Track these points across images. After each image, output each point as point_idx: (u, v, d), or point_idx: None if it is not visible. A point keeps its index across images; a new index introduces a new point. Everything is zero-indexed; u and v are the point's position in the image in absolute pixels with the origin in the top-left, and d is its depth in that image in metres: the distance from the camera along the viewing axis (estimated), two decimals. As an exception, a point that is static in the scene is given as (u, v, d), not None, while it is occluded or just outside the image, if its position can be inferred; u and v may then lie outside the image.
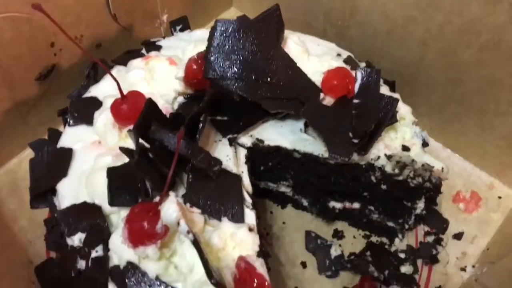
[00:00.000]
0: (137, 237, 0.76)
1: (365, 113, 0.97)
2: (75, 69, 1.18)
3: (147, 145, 0.85)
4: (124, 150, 0.83)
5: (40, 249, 1.06)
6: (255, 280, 0.78)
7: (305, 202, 1.16)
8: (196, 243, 0.75)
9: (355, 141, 0.95)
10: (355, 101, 0.99)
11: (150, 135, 0.85)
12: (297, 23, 1.14)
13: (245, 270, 0.78)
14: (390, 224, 1.14)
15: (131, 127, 0.91)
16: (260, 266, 0.79)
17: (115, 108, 0.94)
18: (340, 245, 1.15)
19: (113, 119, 0.95)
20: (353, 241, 1.17)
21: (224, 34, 0.97)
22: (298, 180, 1.10)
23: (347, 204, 1.13)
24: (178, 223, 0.76)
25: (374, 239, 1.18)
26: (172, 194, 0.80)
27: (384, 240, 1.18)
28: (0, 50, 0.99)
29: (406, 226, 1.13)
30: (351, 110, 0.98)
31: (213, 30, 0.97)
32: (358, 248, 1.16)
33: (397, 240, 1.16)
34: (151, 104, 0.88)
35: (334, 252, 1.12)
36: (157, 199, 0.81)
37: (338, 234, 1.17)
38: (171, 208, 0.77)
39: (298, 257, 1.14)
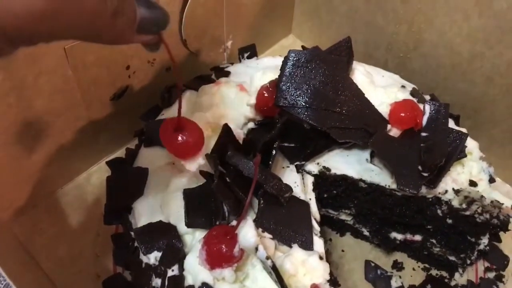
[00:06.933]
0: (215, 260, 0.78)
1: (434, 147, 0.98)
2: (144, 90, 1.22)
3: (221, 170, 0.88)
4: (204, 174, 0.86)
5: (106, 264, 1.09)
6: (328, 308, 0.79)
7: (365, 232, 1.17)
8: (275, 269, 0.77)
9: (425, 174, 0.95)
10: (423, 134, 1.00)
11: (227, 160, 0.88)
12: (357, 53, 1.16)
13: (319, 298, 0.80)
14: (451, 258, 1.13)
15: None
16: (333, 294, 0.81)
17: (170, 146, 0.83)
18: (400, 277, 1.14)
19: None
20: (412, 273, 1.17)
21: (297, 64, 1.00)
22: (361, 209, 1.10)
23: (409, 236, 1.13)
24: (256, 248, 0.78)
25: (433, 272, 1.16)
26: (249, 218, 0.82)
27: (444, 274, 1.16)
28: (83, 72, 1.04)
29: (468, 261, 1.12)
30: (419, 142, 0.99)
31: (286, 59, 1.00)
32: (417, 280, 1.15)
33: (457, 275, 1.15)
34: (227, 130, 0.91)
35: (395, 283, 1.12)
36: (233, 223, 0.84)
37: (397, 265, 1.17)
38: (249, 232, 0.80)
39: (358, 286, 1.13)
